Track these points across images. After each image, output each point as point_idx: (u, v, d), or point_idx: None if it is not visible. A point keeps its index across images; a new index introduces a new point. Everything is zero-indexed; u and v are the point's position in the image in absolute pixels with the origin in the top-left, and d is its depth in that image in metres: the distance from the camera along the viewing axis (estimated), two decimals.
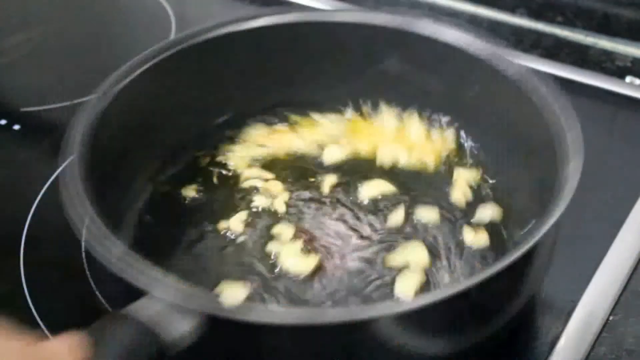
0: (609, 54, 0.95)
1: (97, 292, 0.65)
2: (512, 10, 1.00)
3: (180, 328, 0.50)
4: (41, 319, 0.66)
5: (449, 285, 0.64)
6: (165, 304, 0.51)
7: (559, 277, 0.70)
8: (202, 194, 0.73)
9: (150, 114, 0.70)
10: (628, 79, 0.92)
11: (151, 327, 0.50)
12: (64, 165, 0.59)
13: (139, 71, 0.69)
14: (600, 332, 0.66)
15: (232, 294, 0.63)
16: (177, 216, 0.70)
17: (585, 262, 0.71)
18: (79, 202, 0.56)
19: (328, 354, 0.54)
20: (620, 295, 0.69)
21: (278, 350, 0.55)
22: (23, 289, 0.69)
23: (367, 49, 0.76)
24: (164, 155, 0.74)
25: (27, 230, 0.74)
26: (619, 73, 0.93)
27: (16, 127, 0.85)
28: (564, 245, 0.73)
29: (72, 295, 0.68)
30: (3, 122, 0.86)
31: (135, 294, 0.52)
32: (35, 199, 0.75)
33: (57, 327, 0.64)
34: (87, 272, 0.67)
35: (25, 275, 0.70)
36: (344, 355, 0.54)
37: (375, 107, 0.80)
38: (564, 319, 0.66)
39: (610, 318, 0.67)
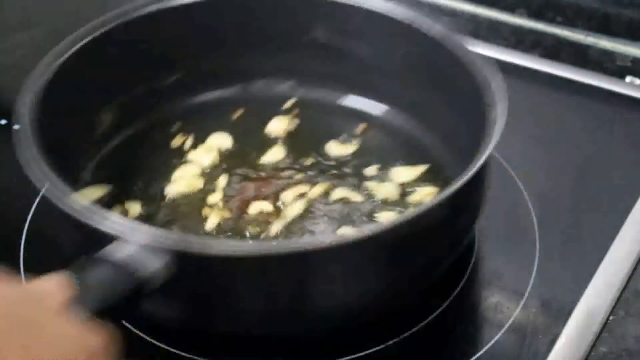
0: (609, 54, 0.95)
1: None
2: (512, 10, 1.00)
3: (153, 266, 0.54)
4: None
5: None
6: (136, 245, 0.54)
7: (559, 277, 0.70)
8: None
9: (94, 84, 0.74)
10: (628, 79, 0.92)
11: (125, 266, 0.53)
12: (16, 129, 0.64)
13: (80, 44, 0.73)
14: (600, 332, 0.66)
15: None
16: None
17: (585, 262, 0.71)
18: (35, 165, 0.60)
19: (280, 283, 0.59)
20: (620, 295, 0.69)
21: (239, 281, 0.58)
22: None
23: (294, 20, 0.79)
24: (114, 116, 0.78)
25: (27, 230, 0.74)
26: (619, 73, 0.92)
27: (16, 127, 0.85)
28: (564, 245, 0.73)
29: None
30: (3, 122, 0.86)
31: (103, 241, 0.55)
32: (35, 199, 0.75)
33: None
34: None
35: (25, 275, 0.70)
36: (299, 284, 0.59)
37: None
38: (563, 319, 0.66)
39: (610, 318, 0.67)
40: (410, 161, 0.76)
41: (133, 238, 0.54)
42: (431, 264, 0.64)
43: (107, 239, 0.55)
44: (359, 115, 0.82)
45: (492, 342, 0.65)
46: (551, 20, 0.99)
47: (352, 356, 0.64)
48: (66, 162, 0.67)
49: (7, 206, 0.78)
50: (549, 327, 0.66)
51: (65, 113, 0.70)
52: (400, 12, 0.75)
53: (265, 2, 0.80)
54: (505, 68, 0.91)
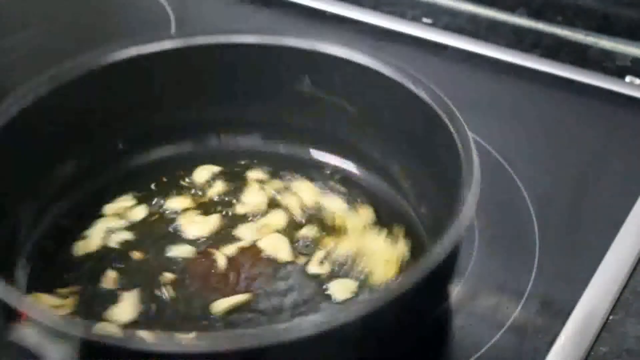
0: (609, 54, 0.95)
1: None
2: (512, 10, 1.00)
3: (59, 353, 0.51)
4: None
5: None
6: (43, 329, 0.51)
7: (558, 277, 0.70)
8: None
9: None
10: (628, 78, 0.92)
11: (31, 351, 0.51)
12: None
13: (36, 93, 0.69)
14: (600, 332, 0.66)
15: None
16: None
17: (585, 262, 0.71)
18: None
19: None
20: (620, 295, 0.69)
21: None
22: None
23: (279, 71, 0.76)
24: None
25: None
26: (619, 73, 0.92)
27: None
28: (564, 245, 0.73)
29: None
30: None
31: (12, 319, 0.53)
32: None
33: None
34: None
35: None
36: None
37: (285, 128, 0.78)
38: (563, 319, 0.66)
39: (610, 318, 0.67)
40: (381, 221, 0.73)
41: (40, 320, 0.52)
42: (403, 335, 0.61)
43: (15, 317, 0.53)
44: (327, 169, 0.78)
45: (492, 342, 0.65)
46: (551, 20, 0.99)
47: None
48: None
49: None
50: (549, 327, 0.66)
51: (13, 167, 0.67)
52: (390, 70, 0.71)
53: (248, 51, 0.76)
54: (505, 68, 0.92)
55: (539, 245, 0.72)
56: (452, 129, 0.65)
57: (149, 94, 0.76)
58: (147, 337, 0.54)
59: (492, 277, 0.70)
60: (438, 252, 0.57)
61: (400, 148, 0.73)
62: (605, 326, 0.67)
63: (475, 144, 0.68)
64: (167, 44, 0.75)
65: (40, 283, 0.66)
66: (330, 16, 1.00)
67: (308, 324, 0.53)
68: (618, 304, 0.68)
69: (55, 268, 0.68)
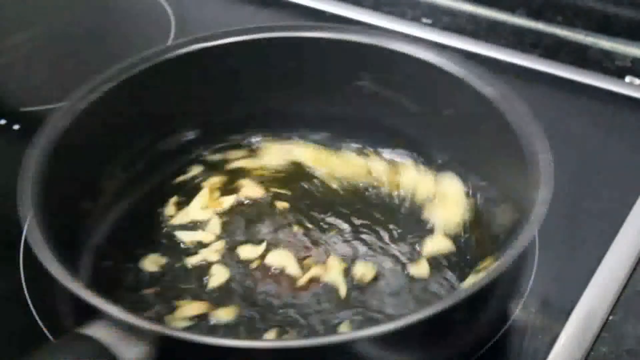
0: (608, 54, 0.95)
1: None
2: (512, 10, 1.00)
3: (135, 350, 0.52)
4: (41, 320, 0.66)
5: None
6: (121, 326, 0.52)
7: (558, 277, 0.70)
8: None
9: (111, 133, 0.71)
10: (628, 79, 0.92)
11: (106, 348, 0.51)
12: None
13: (97, 93, 0.69)
14: (600, 332, 0.66)
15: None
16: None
17: (585, 262, 0.71)
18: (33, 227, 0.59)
19: None
20: (620, 295, 0.69)
21: None
22: (23, 289, 0.69)
23: (342, 66, 0.76)
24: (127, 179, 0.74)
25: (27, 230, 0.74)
26: (619, 73, 0.93)
27: (16, 127, 0.85)
28: (564, 245, 0.73)
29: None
30: (3, 122, 0.86)
31: (90, 316, 0.53)
32: None
33: (57, 327, 0.65)
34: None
35: (25, 275, 0.70)
36: None
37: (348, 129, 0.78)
38: (563, 319, 0.67)
39: (610, 318, 0.67)
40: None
41: (117, 318, 0.53)
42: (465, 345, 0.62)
43: (91, 315, 0.53)
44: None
45: (492, 342, 0.65)
46: (551, 20, 0.99)
47: None
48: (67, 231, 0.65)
49: (7, 206, 0.78)
50: (549, 327, 0.66)
51: (69, 178, 0.67)
52: (454, 67, 0.71)
53: (311, 45, 0.75)
54: (505, 68, 0.92)
55: (539, 245, 0.72)
56: (520, 131, 0.65)
57: (210, 89, 0.76)
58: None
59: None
60: (506, 258, 0.56)
61: (463, 149, 0.73)
62: (605, 326, 0.67)
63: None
64: (232, 38, 0.75)
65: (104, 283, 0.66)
66: (330, 16, 1.00)
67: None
68: (618, 304, 0.68)
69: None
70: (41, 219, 0.59)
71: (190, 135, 0.78)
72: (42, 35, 1.00)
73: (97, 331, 0.52)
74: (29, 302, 0.68)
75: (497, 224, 0.69)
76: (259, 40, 0.75)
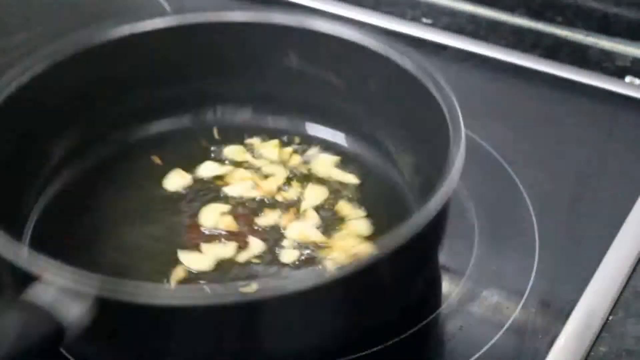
0: (608, 54, 0.95)
1: None
2: (512, 10, 1.00)
3: (75, 311, 0.52)
4: None
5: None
6: (57, 288, 0.52)
7: (558, 277, 0.70)
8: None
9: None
10: (628, 79, 0.92)
11: (45, 311, 0.51)
12: None
13: (39, 67, 0.71)
14: (600, 332, 0.66)
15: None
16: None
17: (585, 262, 0.71)
18: None
19: (218, 333, 0.56)
20: (620, 295, 0.69)
21: (170, 332, 0.56)
22: None
23: (266, 48, 0.78)
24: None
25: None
26: (619, 73, 0.93)
27: None
28: (564, 245, 0.73)
29: None
30: None
31: (25, 282, 0.53)
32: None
33: None
34: None
35: None
36: (233, 334, 0.56)
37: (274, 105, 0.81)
38: (563, 319, 0.66)
39: (610, 318, 0.67)
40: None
41: (55, 280, 0.53)
42: (391, 299, 0.63)
43: (29, 279, 0.53)
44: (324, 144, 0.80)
45: (492, 342, 0.65)
46: (551, 20, 0.99)
47: (352, 356, 0.64)
48: (10, 196, 0.67)
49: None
50: (549, 327, 0.66)
51: (16, 140, 0.69)
52: (374, 43, 0.74)
53: (236, 29, 0.78)
54: (505, 68, 0.92)
55: (539, 245, 0.72)
56: (437, 97, 0.67)
57: (142, 71, 0.78)
58: (160, 290, 0.56)
59: (492, 277, 0.70)
60: (429, 208, 0.59)
61: (389, 119, 0.75)
62: (605, 326, 0.67)
63: (475, 145, 0.69)
64: (160, 23, 0.77)
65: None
66: (330, 16, 1.00)
67: (305, 275, 0.56)
68: (618, 304, 0.68)
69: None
70: None
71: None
72: (42, 35, 1.00)
73: (35, 296, 0.52)
74: None
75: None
76: (184, 25, 0.78)
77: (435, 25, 1.00)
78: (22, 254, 0.55)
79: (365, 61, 0.74)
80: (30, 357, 0.50)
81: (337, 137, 0.80)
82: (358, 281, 0.57)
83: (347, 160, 0.78)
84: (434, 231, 0.63)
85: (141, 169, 0.77)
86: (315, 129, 0.80)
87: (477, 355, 0.64)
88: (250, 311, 0.55)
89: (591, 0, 0.98)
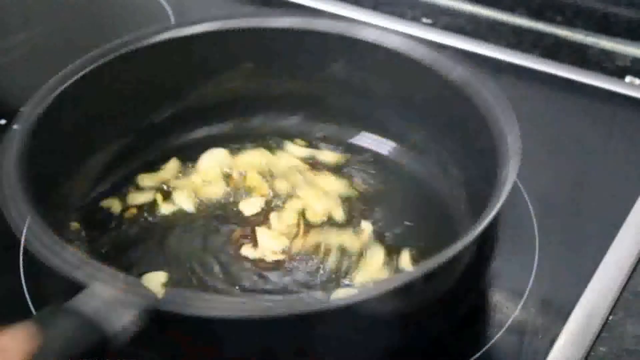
0: (608, 54, 0.95)
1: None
2: (512, 10, 1.00)
3: (121, 320, 0.52)
4: None
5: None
6: (105, 297, 0.52)
7: (558, 277, 0.70)
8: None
9: (89, 118, 0.72)
10: (628, 79, 0.92)
11: (92, 320, 0.51)
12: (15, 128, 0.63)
13: (76, 76, 0.71)
14: (600, 332, 0.66)
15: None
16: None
17: (585, 262, 0.71)
18: (16, 203, 0.58)
19: (269, 345, 0.56)
20: (620, 295, 0.69)
21: (219, 341, 0.56)
22: (23, 288, 0.69)
23: (313, 55, 0.77)
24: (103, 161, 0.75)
25: (27, 230, 0.74)
26: (619, 73, 0.93)
27: (16, 127, 0.85)
28: (564, 245, 0.73)
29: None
30: (3, 122, 0.86)
31: (74, 289, 0.53)
32: None
33: None
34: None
35: (25, 275, 0.70)
36: (288, 346, 0.56)
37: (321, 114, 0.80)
38: (563, 319, 0.67)
39: (610, 318, 0.67)
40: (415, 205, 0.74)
41: (102, 290, 0.52)
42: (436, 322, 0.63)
43: (76, 287, 0.53)
44: (370, 154, 0.79)
45: (492, 342, 0.65)
46: (551, 20, 0.99)
47: None
48: (52, 204, 0.66)
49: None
50: (549, 327, 0.66)
51: (56, 151, 0.69)
52: (422, 52, 0.73)
53: (282, 35, 0.77)
54: (505, 68, 0.92)
55: (539, 245, 0.72)
56: (495, 111, 0.66)
57: (186, 76, 0.77)
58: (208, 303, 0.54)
59: (492, 277, 0.70)
60: (487, 218, 0.58)
61: (437, 130, 0.75)
62: (605, 326, 0.67)
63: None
64: (204, 27, 0.76)
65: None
66: (330, 16, 1.00)
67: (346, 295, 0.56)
68: (618, 304, 0.68)
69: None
70: (25, 193, 0.60)
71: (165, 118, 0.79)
72: (42, 35, 1.00)
73: (82, 304, 0.52)
74: (29, 302, 0.68)
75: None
76: (226, 30, 0.76)
77: (435, 25, 1.00)
78: (72, 260, 0.55)
79: (414, 72, 0.73)
80: None
81: (383, 147, 0.79)
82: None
83: (390, 170, 0.77)
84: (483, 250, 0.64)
85: None
86: (363, 139, 0.80)
87: (477, 355, 0.64)
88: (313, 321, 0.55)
89: (591, 0, 0.98)
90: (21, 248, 0.73)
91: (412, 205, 0.74)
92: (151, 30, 0.75)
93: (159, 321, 0.53)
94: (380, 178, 0.77)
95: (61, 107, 0.69)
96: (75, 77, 0.70)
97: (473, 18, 1.01)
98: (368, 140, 0.80)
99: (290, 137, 0.80)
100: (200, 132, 0.80)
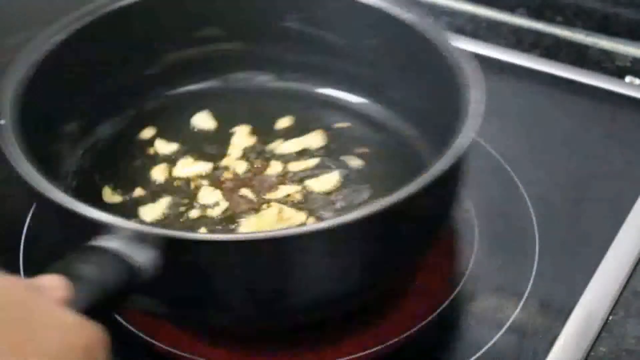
0: (608, 54, 0.95)
1: None
2: (511, 10, 1.00)
3: (145, 255, 0.54)
4: None
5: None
6: (126, 234, 0.54)
7: (558, 277, 0.70)
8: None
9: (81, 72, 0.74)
10: (628, 79, 0.92)
11: (119, 255, 0.53)
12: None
13: (69, 29, 0.74)
14: (600, 332, 0.66)
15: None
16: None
17: (585, 262, 0.71)
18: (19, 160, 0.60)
19: (269, 268, 0.57)
20: (620, 295, 0.69)
21: (231, 269, 0.58)
22: None
23: (267, 6, 0.78)
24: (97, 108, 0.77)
25: (27, 230, 0.74)
26: (619, 73, 0.93)
27: (2, 122, 0.85)
28: (564, 245, 0.73)
29: None
30: (3, 122, 0.86)
31: (92, 232, 0.55)
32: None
33: None
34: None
35: (25, 275, 0.70)
36: (294, 267, 0.58)
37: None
38: (563, 319, 0.67)
39: (610, 318, 0.67)
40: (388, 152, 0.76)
41: (123, 227, 0.54)
42: (410, 248, 0.64)
43: (95, 229, 0.55)
44: (335, 106, 0.81)
45: (492, 342, 0.65)
46: (551, 20, 0.99)
47: (352, 356, 0.64)
48: (49, 156, 0.68)
49: (6, 206, 0.78)
50: (549, 327, 0.66)
51: (45, 109, 0.70)
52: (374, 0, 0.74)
53: None
54: (505, 68, 0.92)
55: (539, 245, 0.72)
56: (440, 47, 0.68)
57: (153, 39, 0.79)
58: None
59: (492, 277, 0.70)
60: (456, 145, 0.59)
61: (396, 75, 0.76)
62: (605, 326, 0.67)
63: (475, 145, 0.69)
64: None
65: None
66: None
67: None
68: (618, 304, 0.68)
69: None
70: (22, 143, 0.62)
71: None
72: None
73: (107, 242, 0.54)
74: None
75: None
76: None
77: None
78: (88, 206, 0.56)
79: (366, 19, 0.75)
80: (108, 304, 0.52)
81: (342, 96, 0.81)
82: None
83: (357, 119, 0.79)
84: (455, 173, 0.64)
85: None
86: (329, 91, 0.81)
87: (477, 355, 0.64)
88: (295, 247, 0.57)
89: (591, 0, 0.98)
90: (21, 248, 0.73)
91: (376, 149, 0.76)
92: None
93: (179, 253, 0.55)
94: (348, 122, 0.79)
95: (43, 73, 0.70)
96: (52, 43, 0.73)
97: (473, 18, 1.01)
98: (332, 93, 0.81)
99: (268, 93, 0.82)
100: (175, 91, 0.82)
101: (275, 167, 0.75)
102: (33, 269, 0.70)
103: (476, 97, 0.62)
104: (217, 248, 0.56)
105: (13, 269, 0.70)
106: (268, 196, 0.72)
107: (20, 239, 0.73)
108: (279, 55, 0.81)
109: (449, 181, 0.63)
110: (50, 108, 0.70)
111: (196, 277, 0.57)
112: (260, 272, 0.57)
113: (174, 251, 0.55)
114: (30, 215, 0.75)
